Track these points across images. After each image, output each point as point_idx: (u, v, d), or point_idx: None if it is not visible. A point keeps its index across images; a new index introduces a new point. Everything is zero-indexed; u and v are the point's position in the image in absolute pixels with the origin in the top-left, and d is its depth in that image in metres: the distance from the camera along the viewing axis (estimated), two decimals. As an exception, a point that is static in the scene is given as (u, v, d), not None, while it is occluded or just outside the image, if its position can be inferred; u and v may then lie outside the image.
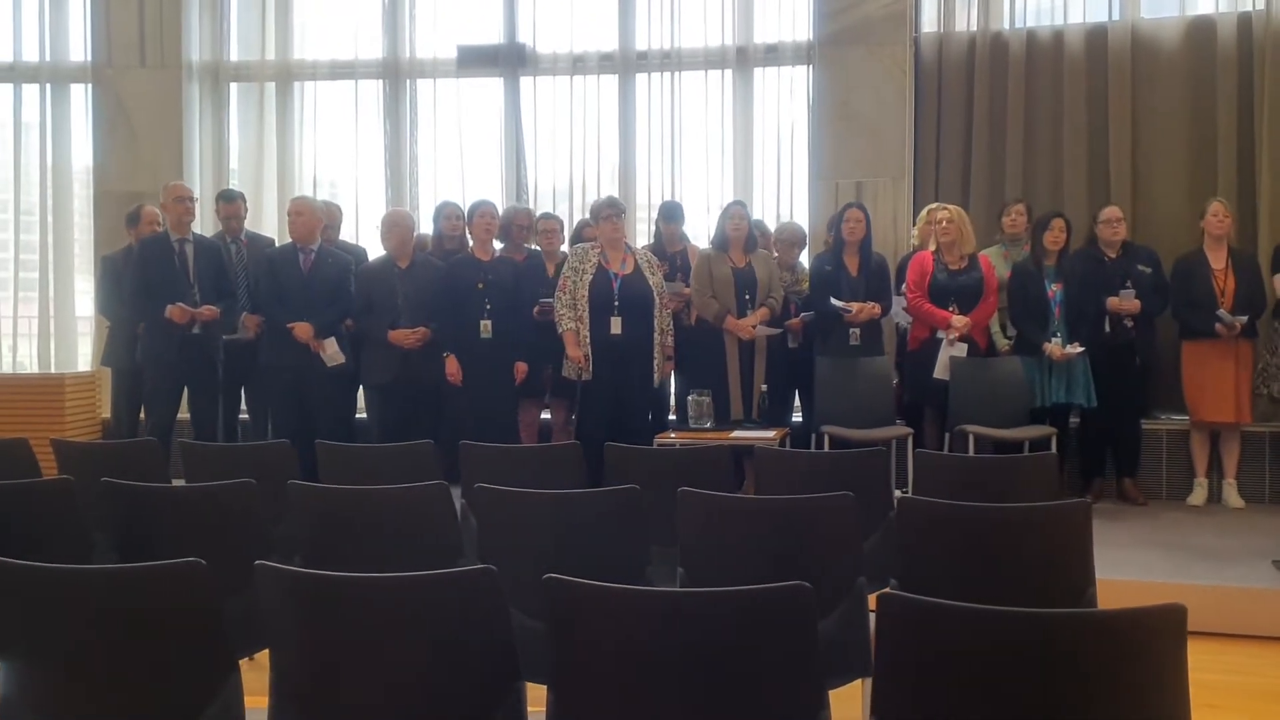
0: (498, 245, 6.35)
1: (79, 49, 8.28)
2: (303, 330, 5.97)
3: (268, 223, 7.92)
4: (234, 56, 8.32)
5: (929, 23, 7.38)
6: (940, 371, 5.89)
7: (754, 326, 5.96)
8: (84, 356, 8.21)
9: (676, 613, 1.96)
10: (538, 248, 6.54)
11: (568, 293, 5.77)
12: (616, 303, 5.74)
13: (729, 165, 7.81)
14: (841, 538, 2.92)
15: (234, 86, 8.32)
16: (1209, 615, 4.13)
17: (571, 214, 7.76)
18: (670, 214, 6.68)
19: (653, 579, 3.13)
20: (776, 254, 6.48)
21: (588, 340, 5.72)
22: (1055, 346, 5.83)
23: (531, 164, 8.02)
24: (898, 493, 4.10)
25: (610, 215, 5.85)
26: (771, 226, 6.96)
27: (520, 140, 7.99)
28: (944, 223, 5.98)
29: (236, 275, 6.48)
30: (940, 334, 5.92)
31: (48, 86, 8.31)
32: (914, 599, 1.86)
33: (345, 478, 3.88)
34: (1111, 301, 5.93)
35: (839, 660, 2.73)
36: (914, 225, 6.76)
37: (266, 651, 2.25)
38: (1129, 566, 4.65)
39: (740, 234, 6.06)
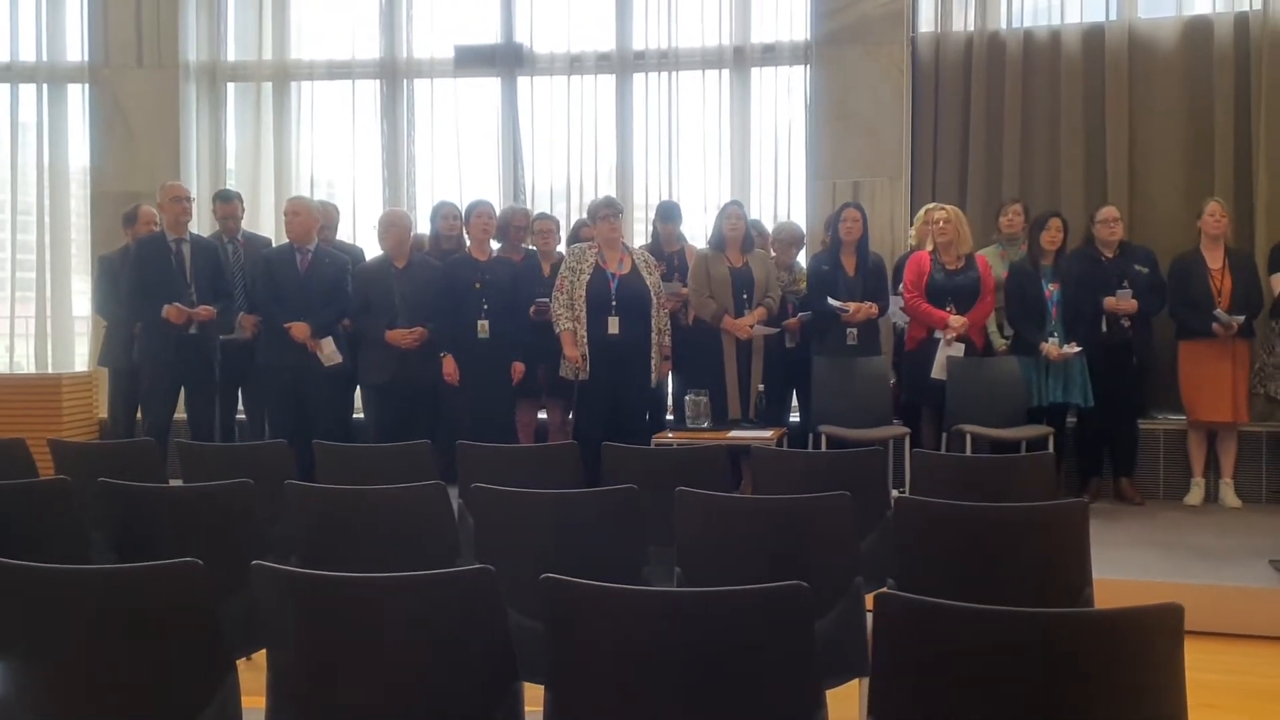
0: (495, 245, 6.35)
1: (76, 49, 8.28)
2: (300, 330, 5.97)
3: (265, 223, 7.93)
4: (231, 56, 8.32)
5: (926, 22, 7.38)
6: (938, 371, 5.89)
7: (751, 326, 5.96)
8: (81, 356, 8.21)
9: (674, 612, 1.96)
10: (534, 248, 6.54)
11: (565, 292, 5.77)
12: (614, 303, 5.74)
13: (726, 165, 7.81)
14: (839, 537, 2.92)
15: (231, 86, 8.32)
16: (1206, 615, 4.13)
17: (569, 214, 7.76)
18: (667, 214, 6.68)
19: (650, 579, 3.13)
20: (774, 254, 6.49)
21: (585, 340, 5.72)
22: (1052, 346, 5.83)
23: (529, 164, 8.03)
24: (895, 492, 4.11)
25: (608, 215, 5.86)
26: (769, 226, 6.96)
27: (517, 140, 7.99)
28: (941, 222, 5.99)
29: (233, 275, 6.48)
30: (937, 334, 5.93)
31: (45, 86, 8.30)
32: (911, 599, 1.86)
33: (342, 478, 3.88)
34: (1108, 301, 5.94)
35: (836, 660, 2.73)
36: (911, 225, 6.76)
37: (264, 652, 2.25)
38: (1126, 566, 4.66)
39: (737, 234, 6.06)
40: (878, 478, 3.99)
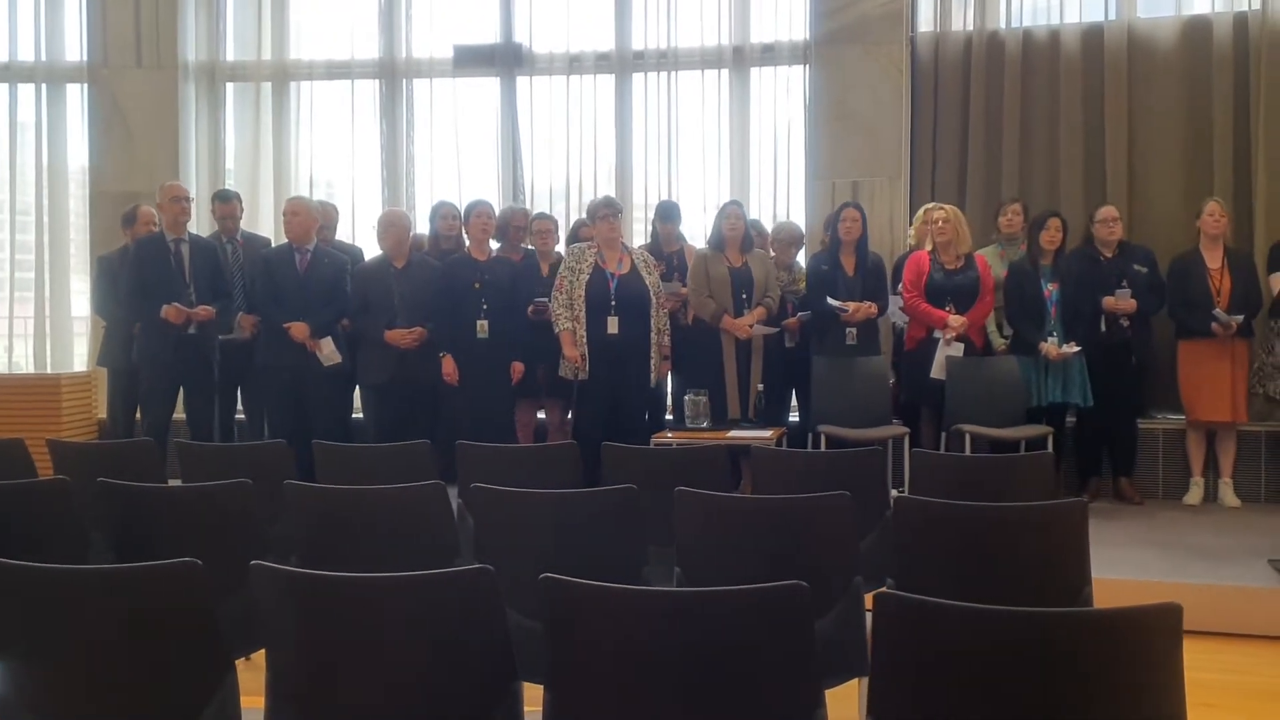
0: (494, 245, 6.35)
1: (75, 49, 8.27)
2: (299, 330, 5.97)
3: (264, 223, 7.93)
4: (230, 56, 8.32)
5: (925, 22, 7.38)
6: (937, 371, 5.90)
7: (751, 326, 5.96)
8: (80, 357, 8.21)
9: (673, 612, 1.96)
10: (534, 248, 6.54)
11: (564, 292, 5.77)
12: (613, 302, 5.74)
13: (725, 165, 7.81)
14: (838, 537, 2.92)
15: (230, 86, 8.32)
16: (1205, 614, 4.14)
17: (568, 214, 7.77)
18: (667, 214, 6.68)
19: (650, 579, 3.13)
20: (774, 253, 6.49)
21: (584, 340, 5.72)
22: (1052, 346, 5.83)
23: (528, 164, 8.03)
24: (894, 492, 4.11)
25: (607, 215, 5.85)
26: (768, 226, 6.96)
27: (517, 140, 7.99)
28: (940, 222, 5.99)
29: (232, 275, 6.48)
30: (937, 334, 5.93)
31: (43, 86, 8.30)
32: (910, 598, 1.86)
33: (342, 478, 3.88)
34: (1108, 301, 5.94)
35: (835, 659, 2.73)
36: (910, 225, 6.77)
37: (263, 652, 2.25)
38: (1125, 566, 4.66)
39: (736, 234, 6.06)
40: (877, 477, 3.99)
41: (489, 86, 8.08)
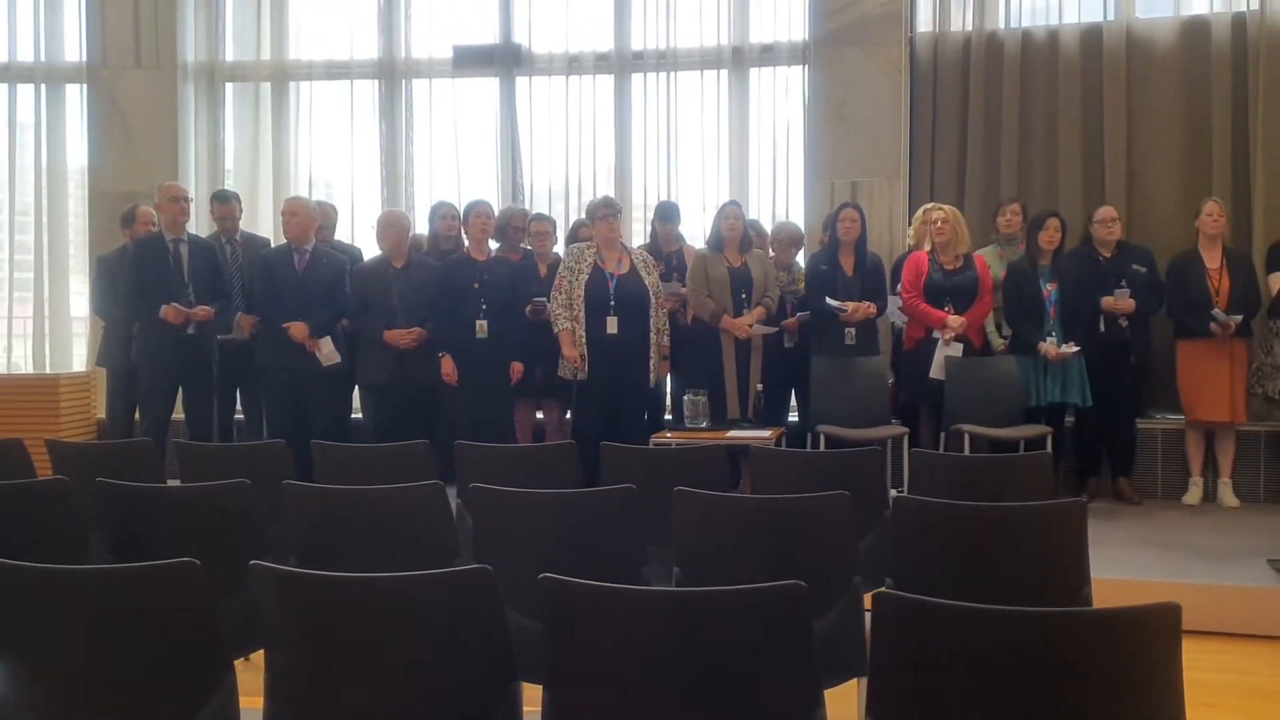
0: (493, 245, 6.35)
1: (74, 49, 8.27)
2: (298, 330, 5.97)
3: (263, 223, 7.93)
4: (229, 57, 8.32)
5: (924, 22, 7.39)
6: (936, 371, 5.90)
7: (750, 326, 5.96)
8: (79, 357, 8.21)
9: (672, 612, 1.96)
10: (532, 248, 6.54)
11: (563, 292, 5.77)
12: (613, 302, 5.74)
13: (724, 165, 7.81)
14: (837, 537, 2.92)
15: (229, 86, 8.31)
16: (1204, 614, 4.14)
17: (567, 214, 7.77)
18: (666, 214, 6.69)
19: (649, 578, 3.13)
20: (773, 254, 6.49)
21: (583, 340, 5.72)
22: (1050, 346, 5.83)
23: (527, 164, 8.03)
24: (893, 492, 4.11)
25: (606, 215, 5.86)
26: (767, 226, 6.97)
27: (516, 140, 7.99)
28: (939, 222, 5.99)
29: (231, 275, 6.48)
30: (936, 334, 5.93)
31: (43, 87, 8.30)
32: (909, 598, 1.86)
33: (341, 478, 3.88)
34: (1106, 301, 5.94)
35: (834, 659, 2.73)
36: (909, 225, 6.77)
37: (262, 652, 2.25)
38: (1124, 566, 4.66)
39: (735, 234, 6.07)
40: (876, 477, 3.99)
41: (488, 87, 8.08)
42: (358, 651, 2.05)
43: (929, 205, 6.47)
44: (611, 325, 5.72)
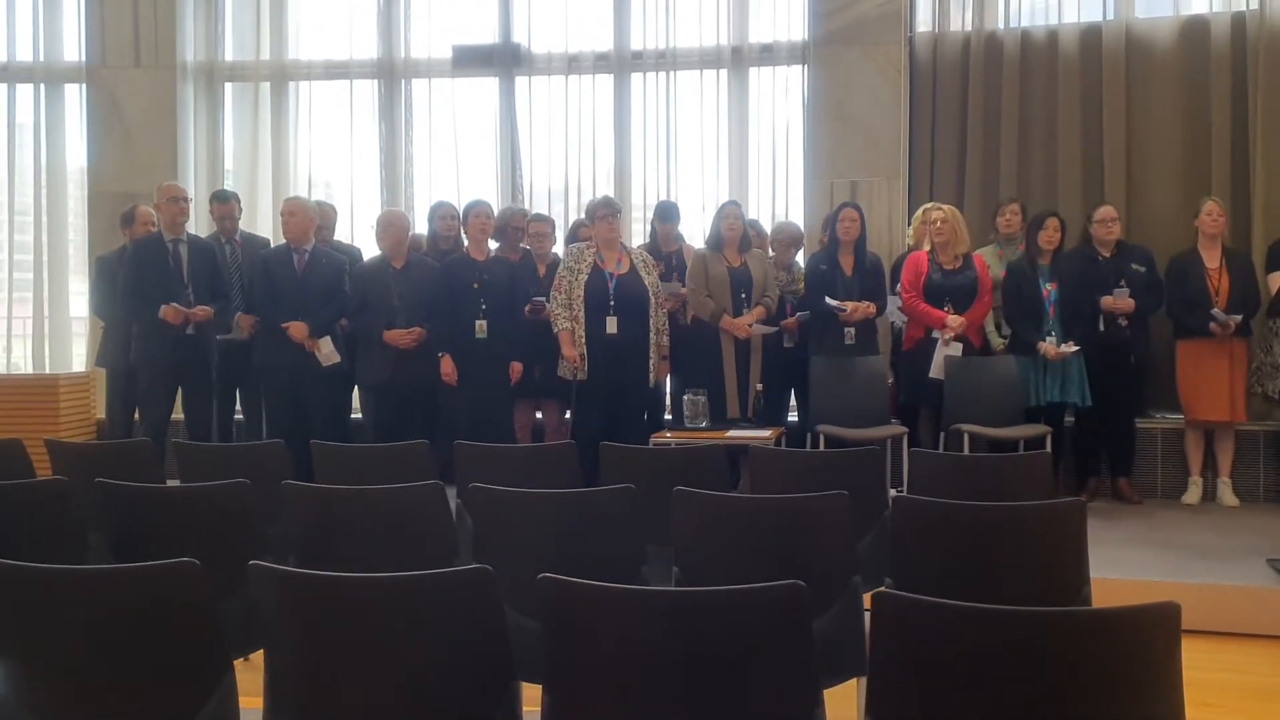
0: (493, 245, 6.35)
1: (74, 49, 8.27)
2: (298, 330, 5.97)
3: (263, 223, 7.93)
4: (229, 56, 8.32)
5: (924, 22, 7.39)
6: (935, 371, 5.90)
7: (750, 326, 5.96)
8: (79, 357, 8.21)
9: (672, 612, 1.96)
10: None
11: (563, 292, 5.77)
12: (612, 302, 5.74)
13: (724, 165, 7.81)
14: (837, 537, 2.92)
15: (229, 86, 8.31)
16: (1204, 614, 4.15)
17: (567, 214, 7.77)
18: (665, 214, 6.68)
19: (648, 578, 3.13)
20: (773, 253, 6.49)
21: (583, 340, 5.72)
22: (1050, 346, 5.83)
23: (527, 164, 8.03)
24: (893, 492, 4.12)
25: (606, 215, 5.86)
26: (767, 226, 6.97)
27: (515, 140, 7.99)
28: (939, 222, 5.99)
29: (231, 276, 6.48)
30: (935, 333, 5.93)
31: (42, 87, 8.30)
32: (909, 598, 1.86)
33: (340, 478, 3.88)
34: (1106, 300, 5.94)
35: (834, 659, 2.73)
36: (909, 225, 6.77)
37: (261, 652, 2.25)
38: (1124, 565, 4.66)
39: (735, 233, 6.07)
40: (876, 477, 3.99)
41: (488, 87, 8.08)
42: (357, 651, 2.05)
43: (928, 205, 6.47)
44: (611, 325, 5.72)
